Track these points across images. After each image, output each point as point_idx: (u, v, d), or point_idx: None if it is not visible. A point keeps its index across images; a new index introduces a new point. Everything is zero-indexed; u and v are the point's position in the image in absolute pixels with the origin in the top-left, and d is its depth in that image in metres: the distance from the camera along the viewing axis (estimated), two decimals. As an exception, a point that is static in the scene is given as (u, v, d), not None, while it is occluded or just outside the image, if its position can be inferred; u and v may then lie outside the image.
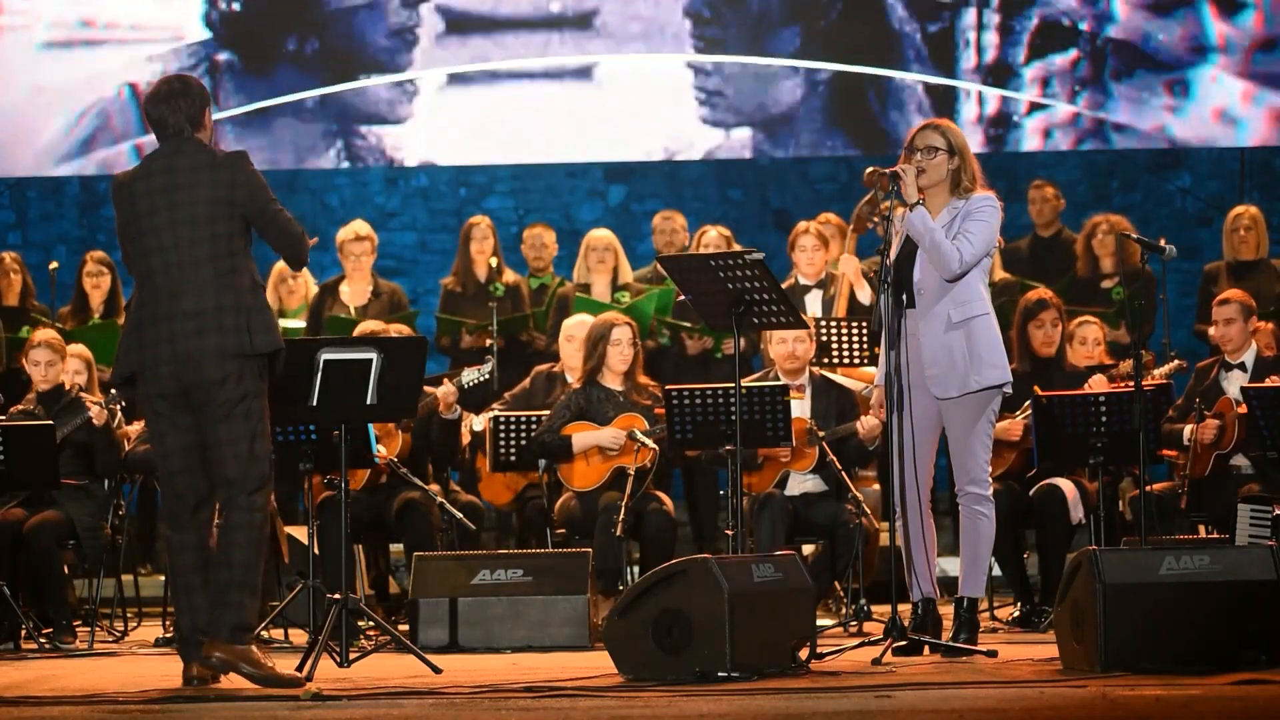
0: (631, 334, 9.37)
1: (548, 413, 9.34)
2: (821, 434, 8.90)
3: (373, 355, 7.22)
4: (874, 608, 8.74)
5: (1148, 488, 8.40)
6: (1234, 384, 9.06)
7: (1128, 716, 5.60)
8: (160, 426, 6.78)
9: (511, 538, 9.96)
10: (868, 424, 8.82)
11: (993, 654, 7.18)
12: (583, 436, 9.19)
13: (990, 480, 7.48)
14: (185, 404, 6.72)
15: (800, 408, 8.99)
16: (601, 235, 11.30)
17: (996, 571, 8.49)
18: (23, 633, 8.71)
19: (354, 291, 11.09)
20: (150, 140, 6.98)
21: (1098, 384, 8.88)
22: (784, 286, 8.12)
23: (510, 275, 11.35)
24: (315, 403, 7.19)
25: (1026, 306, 9.08)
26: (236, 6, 13.04)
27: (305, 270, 11.53)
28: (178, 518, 6.80)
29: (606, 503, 8.95)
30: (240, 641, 6.64)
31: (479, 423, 9.61)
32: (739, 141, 12.96)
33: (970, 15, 12.75)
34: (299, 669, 6.88)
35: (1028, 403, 8.65)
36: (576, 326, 9.78)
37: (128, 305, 6.97)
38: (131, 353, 6.77)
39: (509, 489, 9.66)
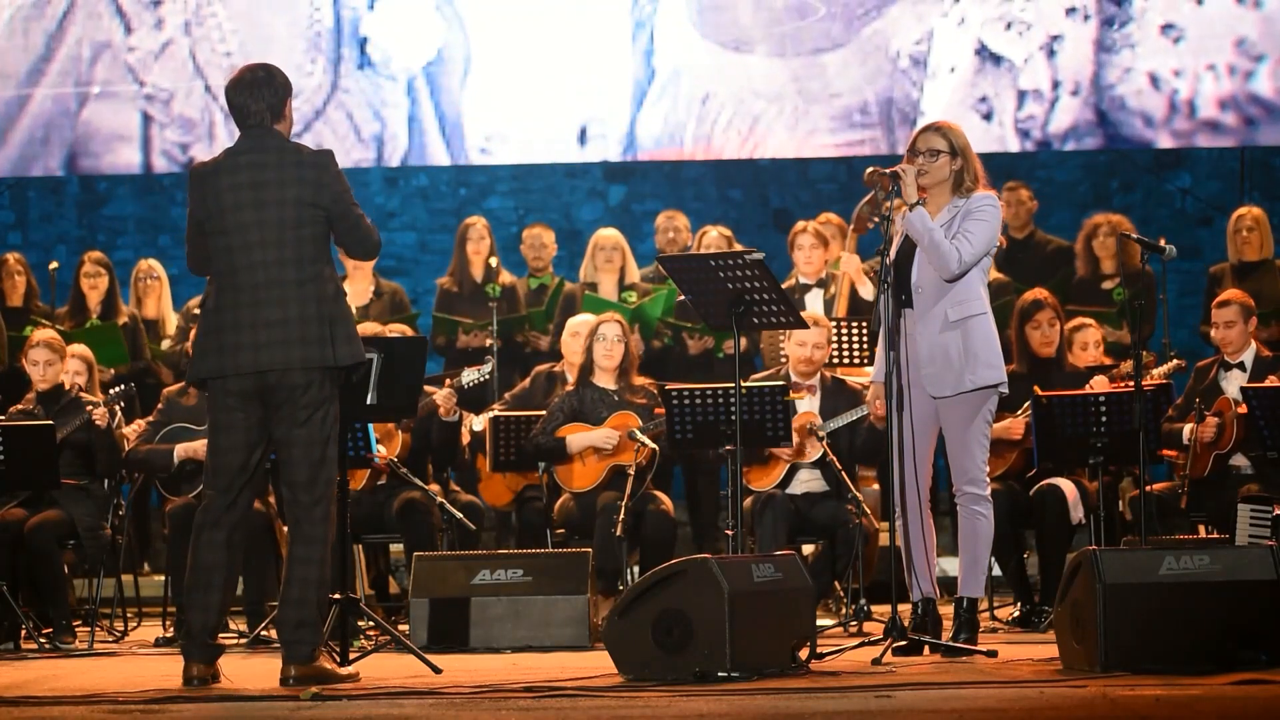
0: (619, 331, 9.37)
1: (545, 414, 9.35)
2: (824, 433, 8.89)
3: (373, 355, 7.21)
4: (874, 608, 8.74)
5: (1148, 488, 8.40)
6: (1233, 384, 9.06)
7: (1128, 716, 5.60)
8: (231, 419, 6.72)
9: (511, 537, 9.97)
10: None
11: (993, 654, 7.18)
12: (577, 438, 9.19)
13: (988, 480, 7.48)
14: (261, 403, 6.70)
15: (808, 405, 9.01)
16: (609, 235, 11.30)
17: (996, 571, 8.49)
18: (23, 633, 8.71)
19: (355, 292, 11.08)
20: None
21: (1099, 386, 8.87)
22: (784, 286, 8.12)
23: (506, 276, 11.34)
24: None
25: (1023, 307, 9.09)
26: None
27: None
28: (215, 514, 6.76)
29: (605, 503, 8.96)
30: (318, 659, 6.71)
31: (479, 423, 9.61)
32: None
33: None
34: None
35: (1028, 402, 8.65)
36: (580, 324, 9.79)
37: (203, 302, 6.94)
38: (210, 356, 6.72)
39: (508, 490, 9.66)
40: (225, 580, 6.78)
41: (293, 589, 6.70)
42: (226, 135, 12.38)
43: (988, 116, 12.50)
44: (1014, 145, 12.61)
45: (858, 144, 12.68)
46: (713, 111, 12.78)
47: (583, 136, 12.94)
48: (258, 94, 6.74)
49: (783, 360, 9.39)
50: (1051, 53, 12.54)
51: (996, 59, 12.56)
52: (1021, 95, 12.57)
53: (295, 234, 6.65)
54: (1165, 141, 12.61)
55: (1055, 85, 12.55)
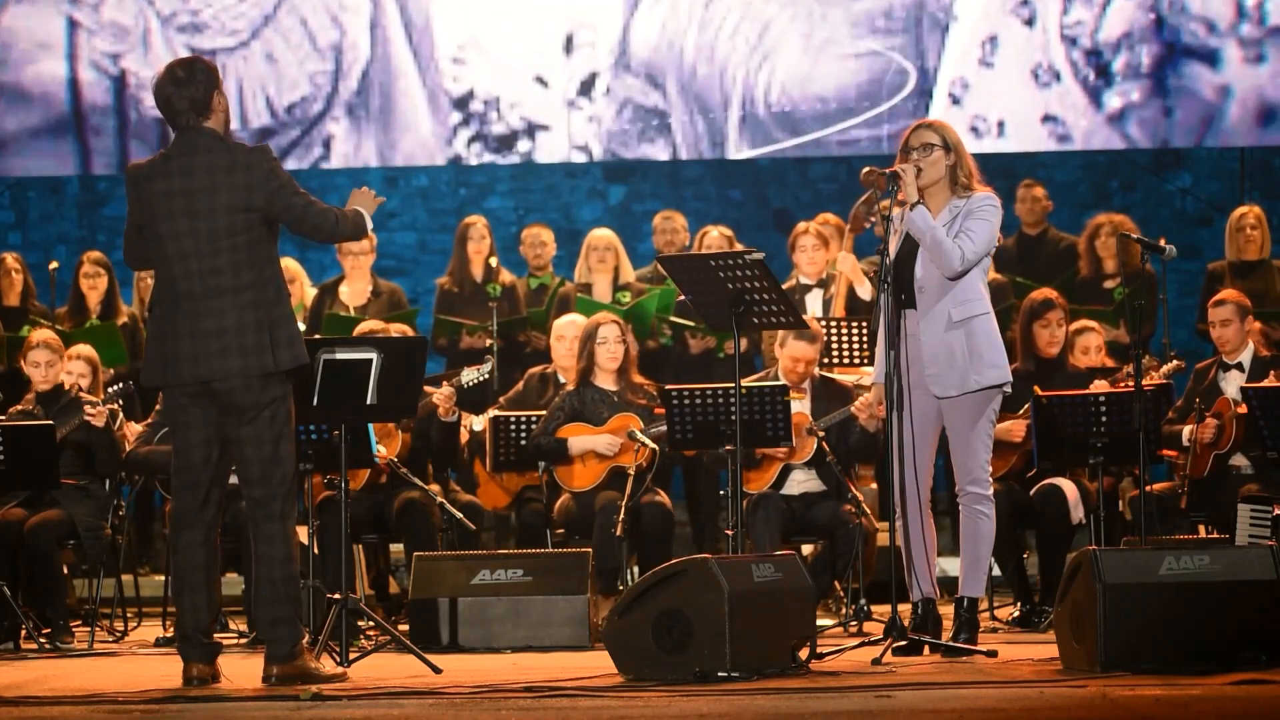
0: (618, 332, 9.37)
1: (545, 414, 9.35)
2: (821, 431, 8.89)
3: (373, 355, 7.22)
4: (874, 608, 8.74)
5: (1148, 488, 8.40)
6: (1232, 384, 9.07)
7: (1128, 716, 5.60)
8: (186, 418, 6.78)
9: (511, 537, 9.97)
10: (861, 402, 8.73)
11: (993, 654, 7.18)
12: (579, 440, 9.19)
13: (990, 480, 7.49)
14: (212, 402, 6.75)
15: (800, 406, 9.01)
16: (603, 235, 11.30)
17: (996, 571, 8.49)
18: (23, 633, 8.71)
19: (353, 291, 11.08)
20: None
21: (1099, 390, 8.87)
22: (785, 287, 8.12)
23: (506, 275, 11.34)
24: (315, 403, 7.20)
25: (1032, 306, 9.07)
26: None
27: (303, 272, 11.51)
28: (186, 515, 6.80)
29: (605, 502, 8.96)
30: (299, 656, 6.72)
31: (478, 422, 9.61)
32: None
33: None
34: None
35: (1029, 404, 8.65)
36: (567, 326, 9.80)
37: (150, 306, 6.95)
38: (154, 366, 6.79)
39: (506, 493, 9.65)
40: (208, 579, 6.81)
41: (261, 589, 6.75)
42: (163, 45, 11.59)
43: (1029, 22, 11.35)
44: (1059, 53, 11.25)
45: (881, 54, 11.32)
46: (716, 17, 11.63)
47: (569, 45, 11.96)
48: (179, 92, 6.74)
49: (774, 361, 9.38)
50: (1103, -52, 11.20)
51: (1040, -44, 11.15)
52: (1068, -3, 11.24)
53: (229, 242, 6.66)
54: (1231, 50, 11.14)
55: (1107, -15, 11.21)
